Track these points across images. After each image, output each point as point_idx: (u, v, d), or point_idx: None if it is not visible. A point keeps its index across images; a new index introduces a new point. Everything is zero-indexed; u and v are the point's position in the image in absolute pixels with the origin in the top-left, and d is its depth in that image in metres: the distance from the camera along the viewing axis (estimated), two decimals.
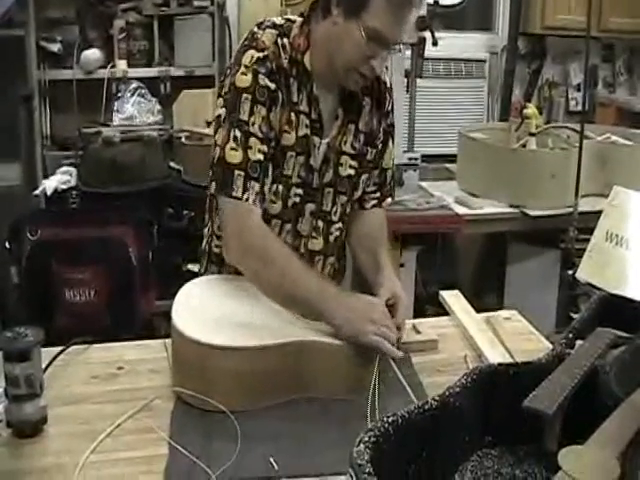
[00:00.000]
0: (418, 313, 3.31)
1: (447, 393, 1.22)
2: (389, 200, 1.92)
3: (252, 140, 1.60)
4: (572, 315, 3.42)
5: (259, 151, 1.60)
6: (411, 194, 3.25)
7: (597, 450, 1.07)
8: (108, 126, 3.51)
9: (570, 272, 2.45)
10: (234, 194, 1.59)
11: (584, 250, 3.22)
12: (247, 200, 1.59)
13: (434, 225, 3.16)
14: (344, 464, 1.03)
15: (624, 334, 1.44)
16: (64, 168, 3.33)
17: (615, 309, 1.58)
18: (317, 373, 1.51)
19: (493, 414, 1.29)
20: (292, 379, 1.49)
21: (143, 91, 3.68)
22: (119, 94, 3.65)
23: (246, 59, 1.61)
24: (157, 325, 3.01)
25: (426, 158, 3.64)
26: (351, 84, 1.66)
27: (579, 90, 4.28)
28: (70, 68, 3.59)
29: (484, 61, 4.24)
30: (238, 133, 1.59)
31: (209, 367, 1.44)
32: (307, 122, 1.68)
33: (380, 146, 1.83)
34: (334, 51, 1.62)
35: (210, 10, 3.70)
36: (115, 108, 3.62)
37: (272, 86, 1.60)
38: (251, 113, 1.59)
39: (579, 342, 1.45)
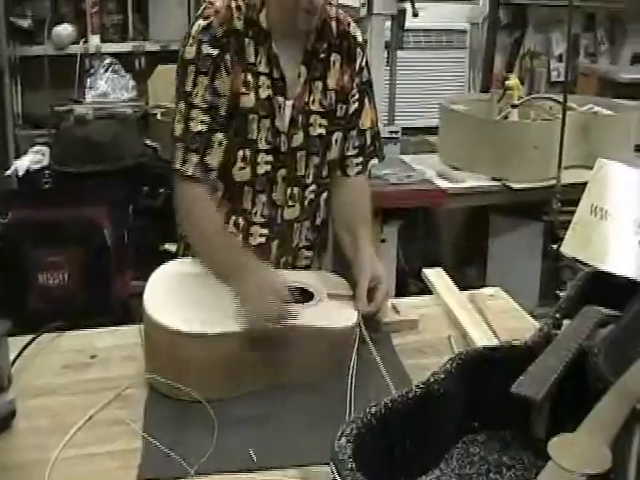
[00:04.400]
0: (400, 288, 3.31)
1: (431, 379, 1.18)
2: (375, 161, 1.86)
3: (194, 112, 1.62)
4: (556, 290, 3.41)
5: (201, 122, 1.63)
6: (392, 168, 3.19)
7: (588, 438, 1.04)
8: (81, 103, 3.41)
9: (554, 245, 2.41)
10: (175, 166, 1.65)
11: (568, 222, 3.18)
12: (186, 172, 1.63)
13: (416, 200, 3.10)
14: (326, 452, 1.00)
15: (611, 312, 1.41)
16: (36, 147, 3.24)
17: (601, 285, 1.55)
18: (295, 357, 1.47)
19: (479, 399, 1.25)
20: (268, 365, 1.44)
21: (117, 67, 3.59)
22: (92, 70, 3.56)
23: (193, 29, 1.64)
24: (134, 306, 2.94)
25: (407, 131, 3.58)
26: (301, 24, 1.62)
27: (561, 60, 4.23)
28: (41, 44, 3.52)
29: (465, 32, 4.18)
30: (182, 105, 1.64)
31: (181, 354, 1.40)
32: (268, 83, 1.66)
33: (355, 104, 1.78)
34: None
35: None
36: (88, 85, 3.53)
37: (214, 53, 1.61)
38: (194, 84, 1.62)
39: (566, 322, 1.41)
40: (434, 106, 3.74)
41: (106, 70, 3.57)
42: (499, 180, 3.16)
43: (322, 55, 1.71)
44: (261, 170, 1.71)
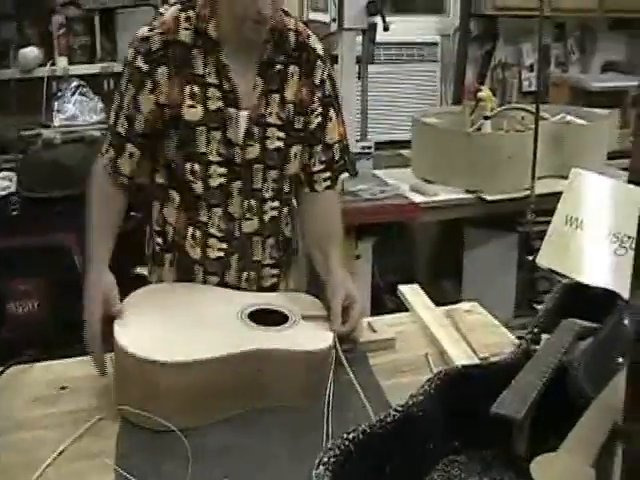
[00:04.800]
0: (375, 304, 3.29)
1: (410, 402, 1.16)
2: (345, 175, 1.86)
3: (121, 113, 1.66)
4: (532, 301, 3.40)
5: (121, 125, 1.66)
6: (366, 183, 3.17)
7: (570, 457, 1.02)
8: (49, 127, 3.37)
9: (530, 257, 2.40)
10: (102, 149, 1.71)
11: (542, 233, 3.18)
12: (102, 158, 1.70)
13: (390, 215, 3.08)
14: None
15: (590, 324, 1.39)
16: (3, 173, 3.18)
17: (579, 297, 1.53)
18: (271, 382, 1.44)
19: (459, 418, 1.22)
20: (243, 391, 1.41)
21: (85, 89, 3.55)
22: (60, 93, 3.52)
23: (137, 34, 1.65)
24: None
25: (379, 145, 3.57)
26: (250, 34, 1.59)
27: (532, 70, 4.25)
28: (7, 67, 3.46)
29: (436, 44, 4.18)
30: (116, 102, 1.68)
31: (153, 383, 1.35)
32: (219, 94, 1.63)
33: (319, 119, 1.74)
34: (228, 8, 1.58)
35: (153, 2, 3.57)
36: (56, 108, 3.49)
37: (144, 67, 1.61)
38: (126, 89, 1.65)
39: (545, 336, 1.38)
40: (406, 120, 3.76)
41: (74, 93, 3.52)
42: (473, 192, 3.16)
43: (279, 67, 1.67)
44: (214, 183, 1.67)
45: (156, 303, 1.56)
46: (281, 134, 1.69)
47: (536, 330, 1.39)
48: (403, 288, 1.98)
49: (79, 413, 1.42)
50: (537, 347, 1.33)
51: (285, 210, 1.79)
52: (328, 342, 1.49)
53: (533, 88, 4.25)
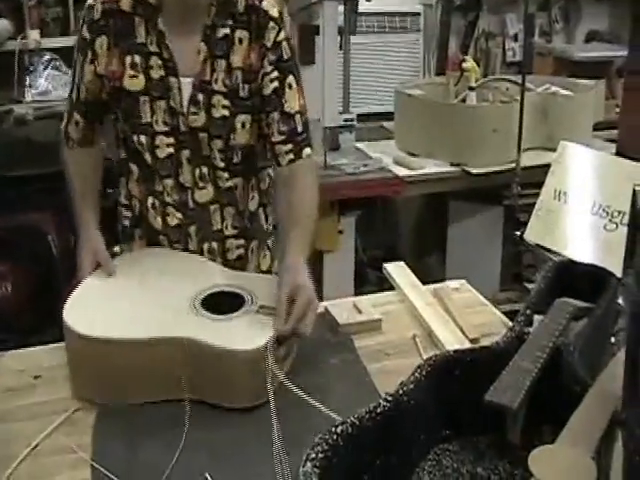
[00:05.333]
0: (359, 279, 3.26)
1: (400, 391, 1.10)
2: (307, 150, 1.67)
3: (74, 81, 1.68)
4: (518, 274, 3.38)
5: (72, 93, 1.70)
6: (348, 157, 3.11)
7: (569, 449, 0.97)
8: (21, 103, 3.26)
9: (517, 232, 2.35)
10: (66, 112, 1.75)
11: (528, 206, 3.15)
12: (67, 135, 1.75)
13: (373, 189, 3.02)
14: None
15: (583, 304, 1.35)
16: None
17: (571, 276, 1.48)
18: (197, 374, 1.35)
19: (450, 406, 1.18)
20: (171, 377, 1.35)
21: (58, 63, 3.43)
22: (31, 67, 3.40)
23: (85, 5, 1.63)
24: None
25: (361, 117, 3.51)
26: None
27: (516, 40, 4.18)
28: None
29: (419, 14, 4.09)
30: (72, 71, 1.70)
31: (76, 354, 1.41)
32: (160, 63, 1.58)
33: (275, 84, 1.63)
34: None
35: None
36: (28, 83, 3.36)
37: (87, 37, 1.61)
38: (76, 58, 1.66)
39: (537, 317, 1.34)
40: (388, 91, 3.68)
41: (46, 67, 3.40)
42: (458, 165, 3.10)
43: (225, 31, 1.59)
44: (162, 154, 1.64)
45: (127, 270, 1.59)
46: (226, 102, 1.61)
47: (528, 312, 1.35)
48: (389, 266, 1.93)
49: (54, 404, 1.38)
50: (530, 329, 1.29)
51: (241, 182, 1.72)
52: (255, 344, 1.34)
53: (517, 58, 4.18)
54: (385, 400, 1.08)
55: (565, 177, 2.18)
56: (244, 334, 1.37)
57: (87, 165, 1.77)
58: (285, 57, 1.63)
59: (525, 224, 2.98)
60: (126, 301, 1.48)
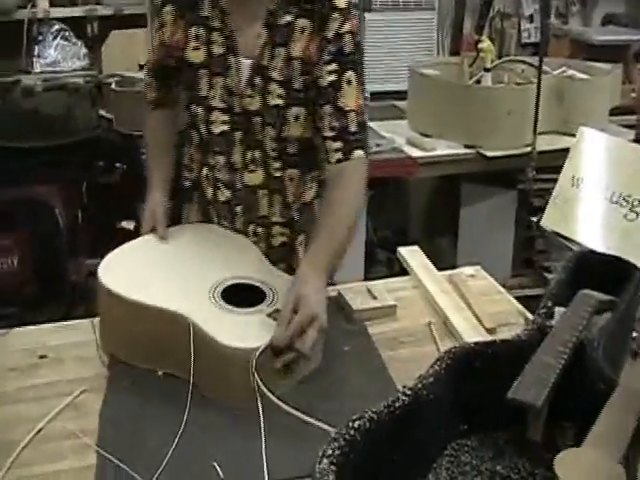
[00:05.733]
0: (369, 259, 3.23)
1: (419, 385, 1.06)
2: (359, 153, 1.56)
3: (156, 44, 1.69)
4: (530, 260, 3.34)
5: (154, 52, 1.72)
6: None
7: (596, 453, 0.93)
8: (29, 74, 3.22)
9: (533, 218, 2.31)
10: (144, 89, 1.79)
11: (543, 191, 3.11)
12: (146, 97, 1.78)
13: (385, 170, 2.96)
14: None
15: (606, 296, 1.30)
16: None
17: (593, 267, 1.44)
18: (200, 364, 1.31)
19: (468, 400, 1.14)
20: (177, 352, 1.33)
21: (67, 33, 3.39)
22: (40, 37, 3.35)
23: None
24: (91, 287, 2.78)
25: (373, 96, 3.45)
26: None
27: (531, 21, 4.11)
28: None
29: None
30: (153, 34, 1.73)
31: (105, 310, 1.43)
32: (221, 39, 1.57)
33: (332, 77, 1.55)
34: None
35: None
36: (36, 53, 3.33)
37: (158, 4, 1.63)
38: (158, 23, 1.65)
39: (558, 309, 1.30)
40: (401, 69, 3.62)
41: (55, 37, 3.36)
42: (472, 147, 3.05)
43: (288, 19, 1.54)
44: (216, 130, 1.63)
45: (172, 240, 1.59)
46: (281, 91, 1.57)
47: (549, 304, 1.30)
48: (403, 250, 1.89)
49: (60, 385, 1.34)
50: (551, 322, 1.25)
51: (297, 173, 1.68)
52: (248, 345, 1.27)
53: (532, 39, 4.12)
54: (404, 394, 1.03)
55: (583, 164, 2.12)
56: (243, 332, 1.31)
57: (161, 128, 1.78)
58: (346, 51, 1.55)
59: (539, 209, 2.94)
60: (157, 269, 1.48)
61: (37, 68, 3.32)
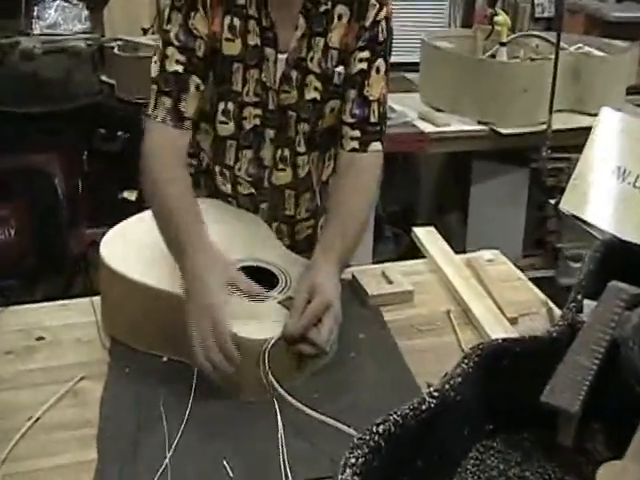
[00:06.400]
0: (377, 234, 3.17)
1: (447, 386, 0.99)
2: (376, 145, 1.52)
3: (170, 49, 1.44)
4: (541, 240, 3.27)
5: (177, 62, 1.44)
6: None
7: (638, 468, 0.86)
8: (28, 36, 3.11)
9: (552, 200, 2.23)
10: (147, 111, 1.46)
11: (557, 170, 3.03)
12: (156, 118, 1.45)
13: (396, 144, 2.85)
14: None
15: (637, 289, 1.23)
16: None
17: (621, 256, 1.37)
18: None
19: (495, 398, 1.07)
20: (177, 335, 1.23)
21: None
22: None
23: None
24: (91, 258, 2.71)
25: None
26: None
27: None
28: None
29: None
30: (160, 42, 1.47)
31: (107, 288, 1.37)
32: (258, 30, 1.44)
33: (363, 65, 1.49)
34: None
35: None
36: (36, 14, 3.22)
37: None
38: (169, 20, 1.45)
39: (587, 302, 1.23)
40: (412, 41, 3.52)
41: None
42: (485, 124, 2.96)
43: (325, 6, 1.45)
44: (248, 125, 1.52)
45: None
46: (318, 84, 1.49)
47: (579, 297, 1.23)
48: (419, 231, 1.81)
49: (58, 371, 1.27)
50: (582, 317, 1.18)
51: (317, 154, 1.61)
52: (260, 336, 1.21)
53: (546, 14, 4.01)
54: (430, 396, 0.96)
55: (605, 147, 2.04)
56: (254, 321, 1.24)
57: (183, 154, 1.50)
58: (381, 38, 1.49)
59: (552, 189, 2.85)
60: (163, 247, 1.32)
61: (36, 30, 3.20)
